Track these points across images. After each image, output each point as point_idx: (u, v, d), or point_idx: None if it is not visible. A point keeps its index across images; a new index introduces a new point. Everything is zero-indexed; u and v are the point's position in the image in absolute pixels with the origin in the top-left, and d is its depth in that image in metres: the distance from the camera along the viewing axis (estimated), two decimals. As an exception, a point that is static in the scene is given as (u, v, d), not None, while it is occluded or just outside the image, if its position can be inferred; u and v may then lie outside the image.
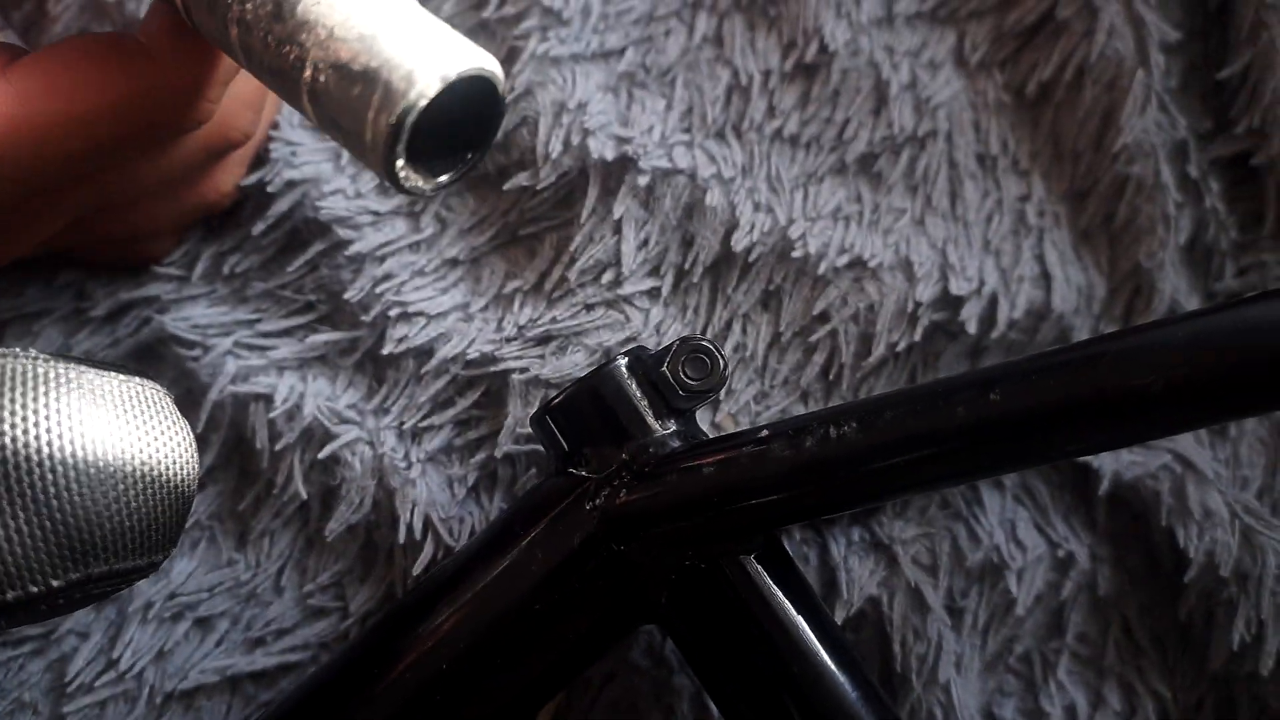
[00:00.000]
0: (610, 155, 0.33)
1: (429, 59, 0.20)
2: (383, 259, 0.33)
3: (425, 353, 0.32)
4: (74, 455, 0.22)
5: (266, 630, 0.31)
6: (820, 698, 0.26)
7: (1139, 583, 0.32)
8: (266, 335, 0.32)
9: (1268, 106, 0.36)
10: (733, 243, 0.33)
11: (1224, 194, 0.36)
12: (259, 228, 0.32)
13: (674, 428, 0.27)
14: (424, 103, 0.19)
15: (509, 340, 0.32)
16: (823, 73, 0.36)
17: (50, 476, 0.21)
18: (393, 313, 0.32)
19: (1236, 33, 0.37)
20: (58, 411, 0.22)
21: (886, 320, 0.33)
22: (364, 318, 0.32)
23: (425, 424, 0.32)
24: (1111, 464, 0.32)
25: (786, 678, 0.26)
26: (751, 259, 0.34)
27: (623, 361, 0.27)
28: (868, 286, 0.34)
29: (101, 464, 0.22)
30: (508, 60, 0.34)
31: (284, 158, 0.33)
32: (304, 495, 0.31)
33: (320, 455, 0.31)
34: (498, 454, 0.31)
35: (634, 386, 0.27)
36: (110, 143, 0.25)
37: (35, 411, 0.22)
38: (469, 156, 0.22)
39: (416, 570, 0.30)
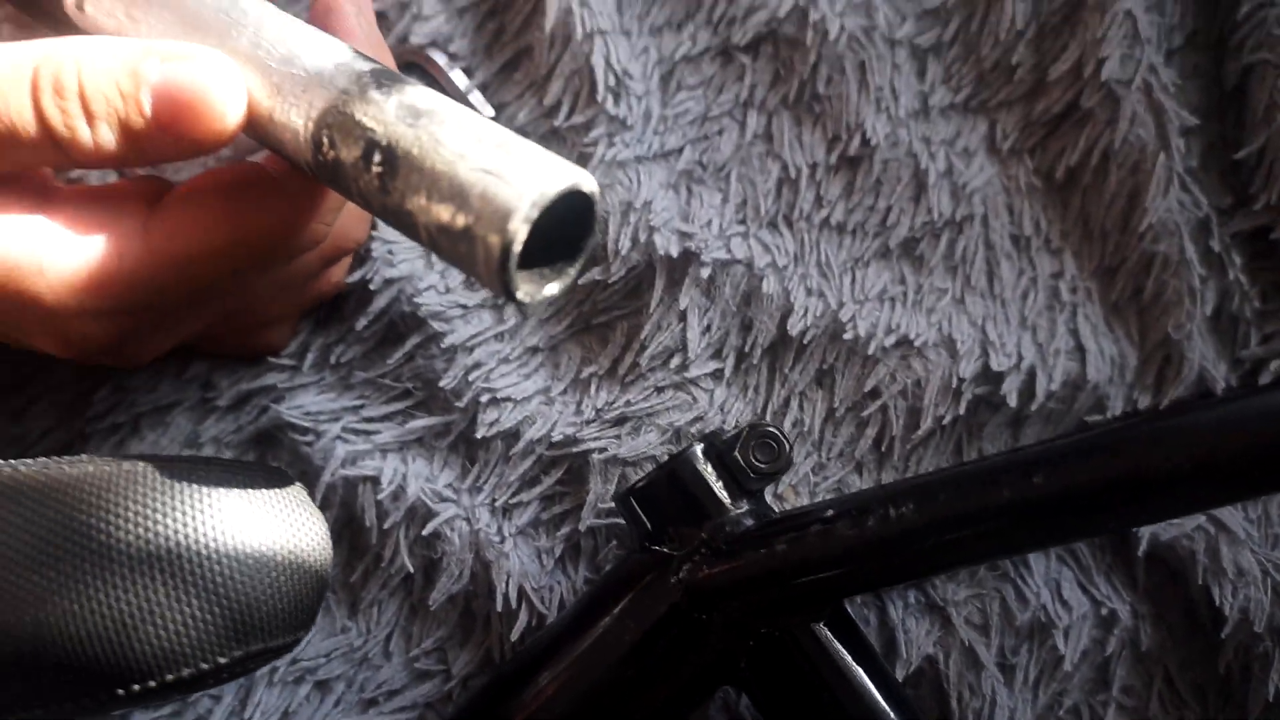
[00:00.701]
0: (674, 250, 0.36)
1: (516, 199, 0.22)
2: (472, 349, 0.36)
3: (513, 435, 0.35)
4: (238, 547, 0.25)
5: (378, 691, 0.34)
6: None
7: (1179, 638, 0.34)
8: (370, 420, 0.36)
9: (1277, 187, 0.38)
10: (788, 326, 0.37)
11: (1246, 266, 0.39)
12: (361, 322, 0.36)
13: (746, 507, 0.30)
14: (519, 248, 0.21)
15: (588, 422, 0.36)
16: (865, 164, 0.39)
17: (218, 567, 0.25)
18: (483, 399, 0.35)
19: (1253, 115, 0.39)
20: (221, 510, 0.25)
21: (933, 395, 0.36)
22: (457, 404, 0.36)
23: (514, 501, 0.35)
24: (1149, 525, 0.35)
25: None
26: (806, 341, 0.37)
27: (698, 448, 0.30)
28: (914, 364, 0.37)
29: (260, 554, 0.25)
30: (578, 165, 0.37)
31: (382, 256, 0.37)
32: (409, 568, 0.34)
33: (424, 532, 0.34)
34: (581, 527, 0.35)
35: (709, 470, 0.30)
36: (243, 268, 0.29)
37: (203, 511, 0.25)
38: (581, 252, 0.24)
39: (514, 636, 0.33)
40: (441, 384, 0.36)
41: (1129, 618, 0.35)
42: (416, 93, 0.25)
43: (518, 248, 0.22)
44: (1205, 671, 0.34)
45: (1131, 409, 0.38)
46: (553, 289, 0.24)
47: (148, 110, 0.25)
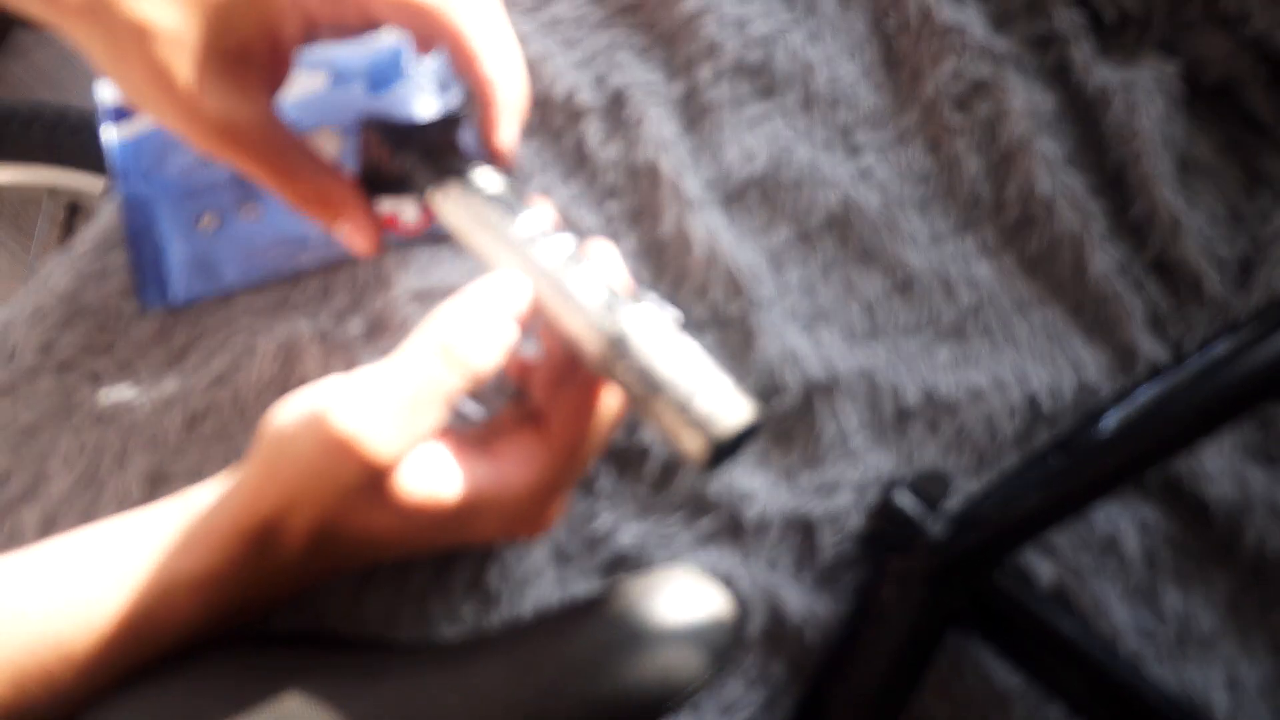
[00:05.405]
0: (823, 375, 0.57)
1: (722, 432, 0.38)
2: (716, 471, 0.56)
3: (761, 515, 0.55)
4: (710, 613, 0.44)
5: (725, 704, 0.53)
6: (1056, 631, 0.49)
7: (1187, 521, 0.56)
8: (669, 527, 0.55)
9: (1159, 235, 0.61)
10: (900, 402, 0.57)
11: (1155, 285, 0.61)
12: (650, 470, 0.55)
13: (938, 521, 0.50)
14: (714, 452, 0.40)
15: (804, 496, 0.55)
16: (912, 284, 0.60)
17: (703, 629, 0.43)
18: (737, 496, 0.55)
19: (1131, 184, 0.62)
20: (693, 596, 0.44)
21: (1000, 420, 0.57)
22: (721, 504, 0.55)
23: (774, 557, 0.55)
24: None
25: (1053, 636, 0.49)
26: (916, 409, 0.57)
27: (903, 498, 0.50)
28: (981, 405, 0.58)
29: (717, 614, 0.44)
30: (748, 339, 0.58)
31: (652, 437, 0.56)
32: (731, 618, 0.53)
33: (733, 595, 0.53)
34: (823, 560, 0.54)
35: (914, 507, 0.50)
36: (606, 435, 0.47)
37: (687, 601, 0.44)
38: (750, 440, 0.41)
39: (808, 640, 0.52)
40: (708, 495, 0.55)
41: (1152, 516, 0.56)
42: (658, 329, 0.42)
43: (713, 458, 0.40)
44: (1210, 537, 0.56)
45: (1117, 390, 0.59)
46: (729, 465, 0.42)
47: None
